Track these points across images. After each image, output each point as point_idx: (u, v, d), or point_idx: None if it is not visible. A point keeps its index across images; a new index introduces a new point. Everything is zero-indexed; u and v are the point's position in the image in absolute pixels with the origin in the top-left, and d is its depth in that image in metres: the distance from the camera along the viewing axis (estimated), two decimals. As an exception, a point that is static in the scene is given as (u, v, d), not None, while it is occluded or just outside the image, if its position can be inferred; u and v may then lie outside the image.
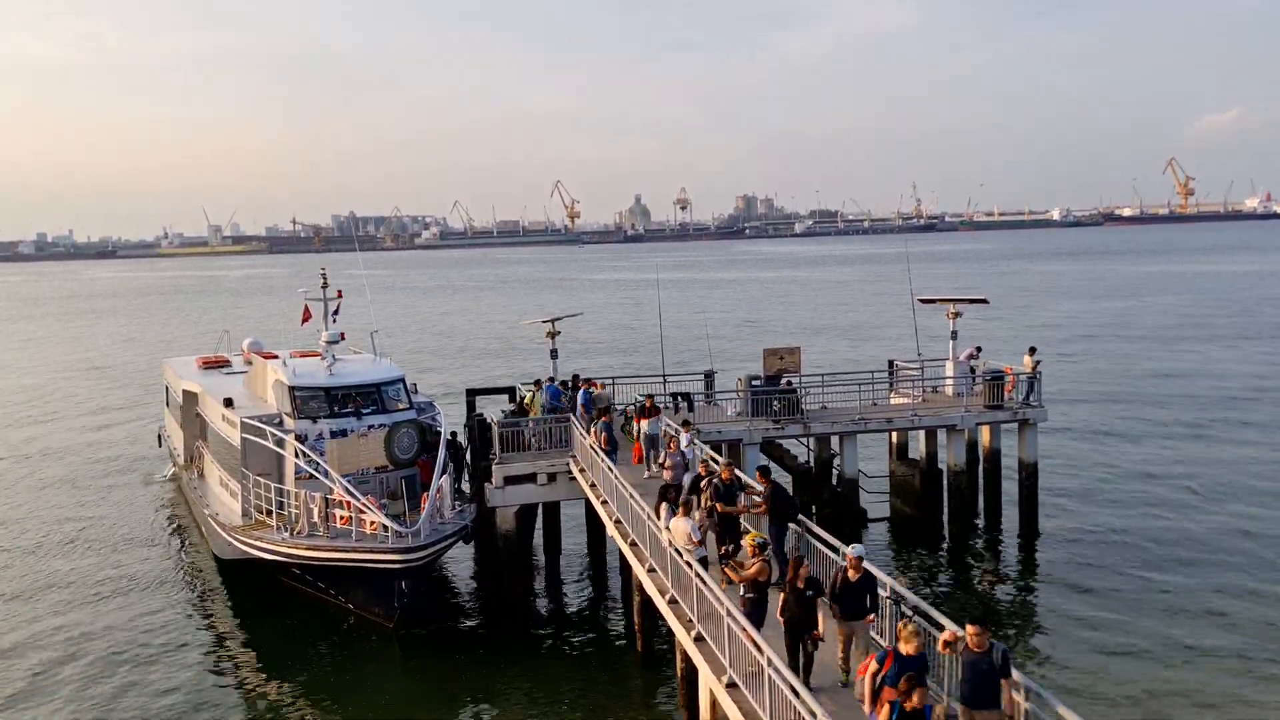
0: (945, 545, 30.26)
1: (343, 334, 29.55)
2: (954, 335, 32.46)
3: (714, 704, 15.07)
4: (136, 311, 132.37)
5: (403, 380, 29.14)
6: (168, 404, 40.26)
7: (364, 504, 23.77)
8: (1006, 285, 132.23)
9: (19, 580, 28.99)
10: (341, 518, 24.02)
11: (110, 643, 24.28)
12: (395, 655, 23.40)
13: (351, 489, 24.28)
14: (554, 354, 31.26)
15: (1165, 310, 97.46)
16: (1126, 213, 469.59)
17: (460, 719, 20.71)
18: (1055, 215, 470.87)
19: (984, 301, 38.39)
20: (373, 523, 23.45)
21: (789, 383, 30.39)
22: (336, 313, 29.77)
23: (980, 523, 31.32)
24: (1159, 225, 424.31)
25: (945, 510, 31.12)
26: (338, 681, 22.10)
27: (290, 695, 21.72)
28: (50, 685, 22.11)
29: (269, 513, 25.56)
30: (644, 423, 24.79)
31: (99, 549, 31.66)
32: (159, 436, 42.12)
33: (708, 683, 15.04)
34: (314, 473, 25.12)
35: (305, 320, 30.89)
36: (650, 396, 26.05)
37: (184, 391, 34.60)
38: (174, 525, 34.11)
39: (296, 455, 25.59)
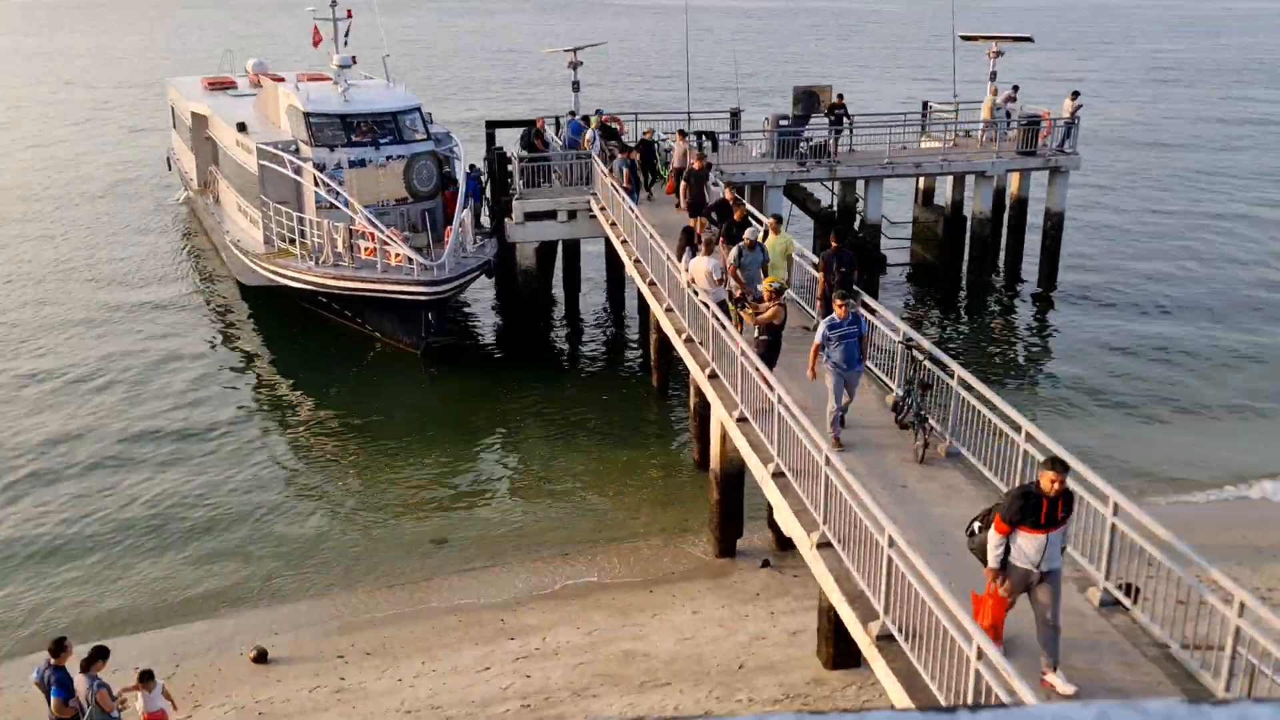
0: (963, 294, 30.47)
1: (354, 58, 28.41)
2: (993, 76, 30.98)
3: (724, 436, 15.82)
4: (126, 26, 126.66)
5: (419, 109, 28.36)
6: (174, 126, 39.37)
7: (389, 235, 23.89)
8: (1060, 21, 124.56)
9: (41, 305, 29.51)
10: (366, 249, 24.22)
11: (137, 362, 25.26)
12: (421, 380, 24.42)
13: (374, 220, 24.32)
14: (576, 86, 30.15)
15: (1237, 51, 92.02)
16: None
17: (484, 438, 21.93)
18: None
19: (1029, 39, 36.35)
20: (398, 254, 23.69)
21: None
22: (347, 34, 28.47)
23: (1000, 272, 31.36)
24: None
25: (966, 258, 31.07)
26: (367, 402, 23.23)
27: (322, 411, 22.93)
28: (81, 404, 23.28)
29: (291, 241, 25.77)
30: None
31: (122, 273, 32.15)
32: (168, 160, 41.46)
33: (719, 416, 15.70)
34: (335, 203, 25.07)
35: (316, 42, 29.60)
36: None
37: (192, 114, 33.76)
38: (191, 249, 34.47)
39: (316, 184, 25.43)
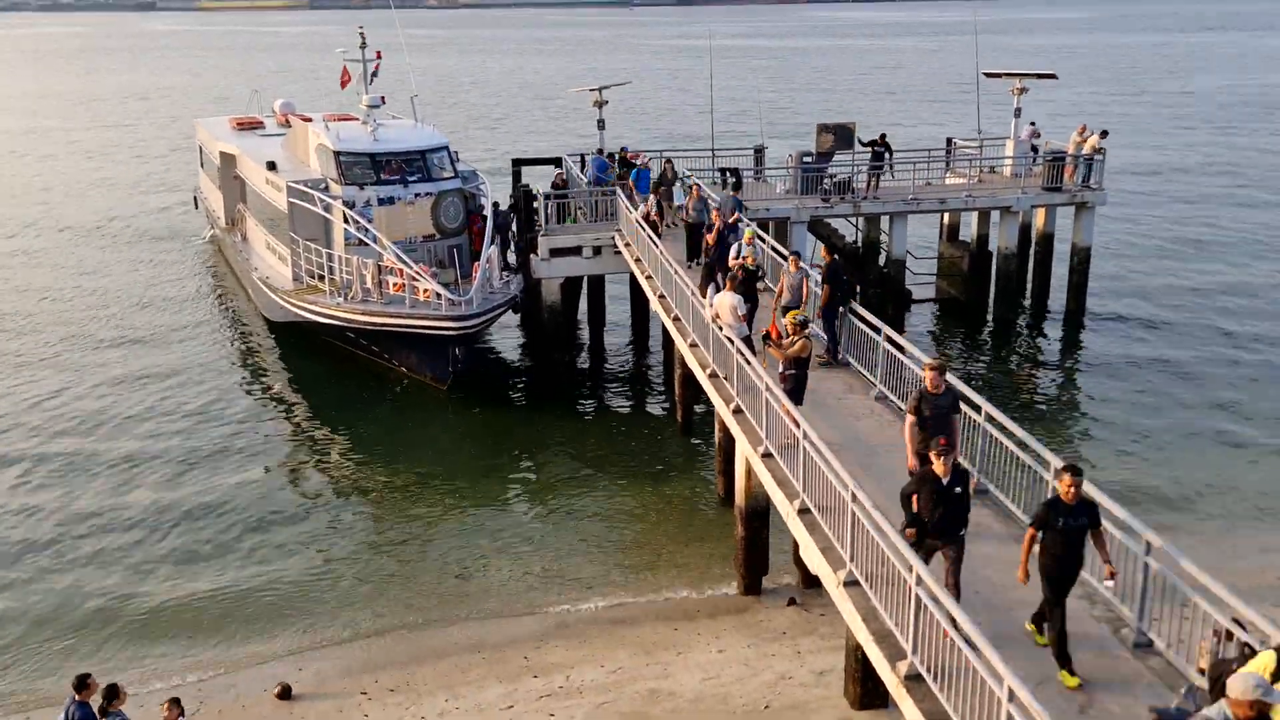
0: (989, 329, 30.28)
1: (383, 98, 28.88)
2: (1017, 113, 31.04)
3: (749, 471, 15.73)
4: (155, 68, 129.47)
5: (447, 147, 28.76)
6: (202, 165, 40.09)
7: (417, 272, 24.18)
8: (1092, 60, 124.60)
9: (68, 343, 29.79)
10: (395, 285, 24.50)
11: (163, 398, 25.49)
12: (448, 415, 24.49)
13: (403, 257, 24.61)
14: (601, 124, 30.47)
15: (1259, 89, 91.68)
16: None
17: (508, 474, 21.89)
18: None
19: (1052, 77, 36.37)
20: (426, 290, 23.93)
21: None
22: (375, 75, 28.99)
23: (1027, 306, 31.17)
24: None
25: (992, 293, 30.91)
26: (393, 437, 23.30)
27: (347, 447, 23.02)
28: (106, 439, 23.48)
29: (320, 278, 26.06)
30: None
31: (148, 310, 32.57)
32: (195, 198, 42.21)
33: (744, 452, 15.63)
34: (364, 239, 25.38)
35: (345, 83, 30.12)
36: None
37: (221, 153, 34.36)
38: (219, 286, 34.92)
39: (346, 221, 25.77)
